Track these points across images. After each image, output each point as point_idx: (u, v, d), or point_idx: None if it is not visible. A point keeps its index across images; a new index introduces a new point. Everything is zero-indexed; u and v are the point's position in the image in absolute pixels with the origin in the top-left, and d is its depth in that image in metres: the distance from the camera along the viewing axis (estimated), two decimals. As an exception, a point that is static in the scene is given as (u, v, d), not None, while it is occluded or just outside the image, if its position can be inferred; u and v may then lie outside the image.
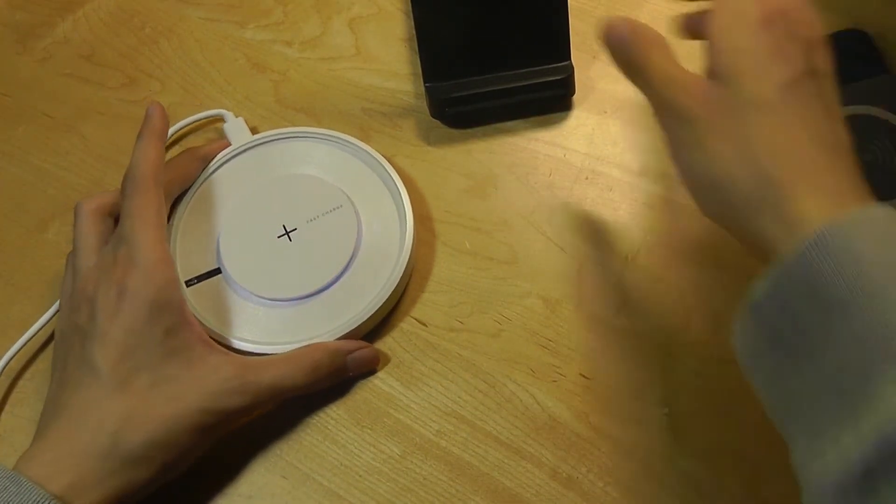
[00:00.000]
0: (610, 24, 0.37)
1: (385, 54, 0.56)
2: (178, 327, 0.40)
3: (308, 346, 0.44)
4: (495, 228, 0.50)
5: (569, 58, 0.51)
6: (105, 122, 0.55)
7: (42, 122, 0.55)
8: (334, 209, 0.48)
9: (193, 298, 0.46)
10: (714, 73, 0.34)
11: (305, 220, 0.48)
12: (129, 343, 0.39)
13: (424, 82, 0.51)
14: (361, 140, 0.53)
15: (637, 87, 0.37)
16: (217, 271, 0.47)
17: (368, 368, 0.45)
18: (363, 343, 0.46)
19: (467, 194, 0.51)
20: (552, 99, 0.53)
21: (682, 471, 0.42)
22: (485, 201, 0.51)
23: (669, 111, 0.35)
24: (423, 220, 0.50)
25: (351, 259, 0.47)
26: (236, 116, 0.53)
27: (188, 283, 0.47)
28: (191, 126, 0.54)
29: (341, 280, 0.46)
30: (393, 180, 0.49)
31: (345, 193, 0.49)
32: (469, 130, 0.53)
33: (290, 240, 0.47)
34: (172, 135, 0.53)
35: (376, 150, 0.50)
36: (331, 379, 0.44)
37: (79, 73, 0.57)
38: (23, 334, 0.46)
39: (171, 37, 0.58)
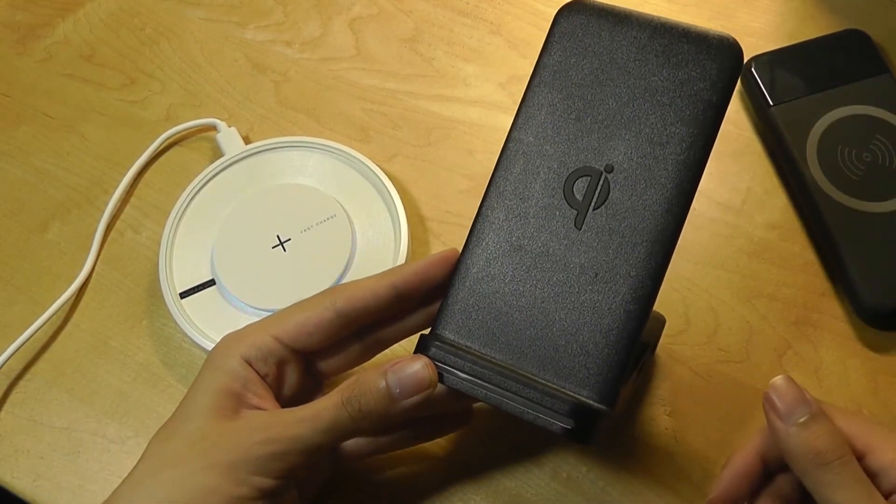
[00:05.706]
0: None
1: (385, 54, 0.56)
2: None
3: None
4: (495, 228, 0.49)
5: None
6: (105, 122, 0.55)
7: (42, 122, 0.55)
8: (328, 219, 0.48)
9: (188, 310, 0.46)
10: None
11: (299, 230, 0.48)
12: None
13: None
14: (361, 141, 0.53)
15: None
16: (211, 283, 0.47)
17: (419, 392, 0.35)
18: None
19: (467, 195, 0.51)
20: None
21: (681, 471, 0.42)
22: (485, 201, 0.51)
23: None
24: (423, 220, 0.50)
25: (346, 268, 0.47)
26: (229, 126, 0.52)
27: (182, 295, 0.47)
28: (182, 133, 0.54)
29: None
30: (386, 188, 0.49)
31: (338, 202, 0.49)
32: (469, 133, 0.53)
33: (285, 250, 0.47)
34: (163, 141, 0.53)
35: (376, 150, 0.50)
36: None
37: (79, 74, 0.57)
38: (22, 334, 0.46)
39: (172, 37, 0.58)
